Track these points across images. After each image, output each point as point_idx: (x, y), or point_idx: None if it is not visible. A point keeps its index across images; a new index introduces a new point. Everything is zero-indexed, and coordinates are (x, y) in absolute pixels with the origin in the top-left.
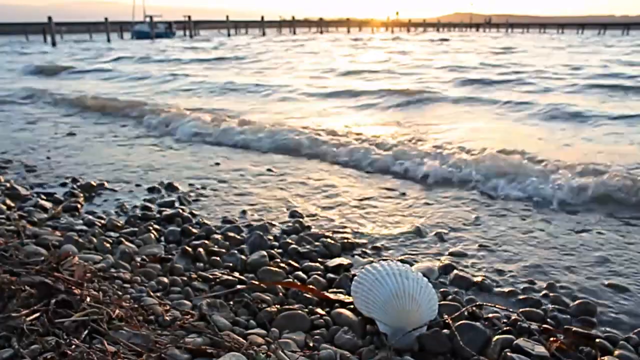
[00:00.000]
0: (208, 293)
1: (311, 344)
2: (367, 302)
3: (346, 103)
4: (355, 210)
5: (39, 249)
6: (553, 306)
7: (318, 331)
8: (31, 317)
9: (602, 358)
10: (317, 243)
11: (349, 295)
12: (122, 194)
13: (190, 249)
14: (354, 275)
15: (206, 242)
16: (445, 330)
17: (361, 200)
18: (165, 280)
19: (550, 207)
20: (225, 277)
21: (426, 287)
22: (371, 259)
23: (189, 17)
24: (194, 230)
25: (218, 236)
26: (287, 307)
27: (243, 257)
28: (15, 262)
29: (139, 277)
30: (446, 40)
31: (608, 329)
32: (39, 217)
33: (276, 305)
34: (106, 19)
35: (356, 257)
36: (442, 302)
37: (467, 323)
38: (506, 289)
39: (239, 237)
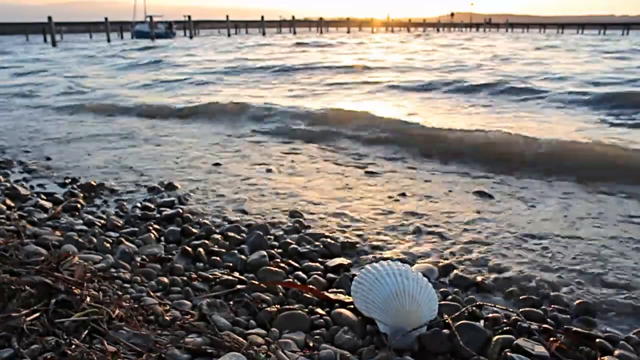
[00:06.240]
0: (208, 293)
1: (311, 344)
2: (367, 302)
3: None
4: (355, 210)
5: (39, 249)
6: (553, 306)
7: (318, 331)
8: (31, 317)
9: (602, 358)
10: (317, 243)
11: (349, 295)
12: (122, 193)
13: (190, 249)
14: (354, 275)
15: (206, 242)
16: (445, 330)
17: (361, 199)
18: (165, 280)
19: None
20: (225, 277)
21: (426, 287)
22: (371, 259)
23: (189, 17)
24: (194, 230)
25: (218, 236)
26: (287, 307)
27: (243, 257)
28: (15, 262)
29: (139, 277)
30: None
31: (608, 329)
32: (39, 217)
33: (276, 305)
34: (106, 18)
35: (356, 257)
36: (442, 302)
37: (467, 323)
38: (506, 289)
39: (239, 237)
